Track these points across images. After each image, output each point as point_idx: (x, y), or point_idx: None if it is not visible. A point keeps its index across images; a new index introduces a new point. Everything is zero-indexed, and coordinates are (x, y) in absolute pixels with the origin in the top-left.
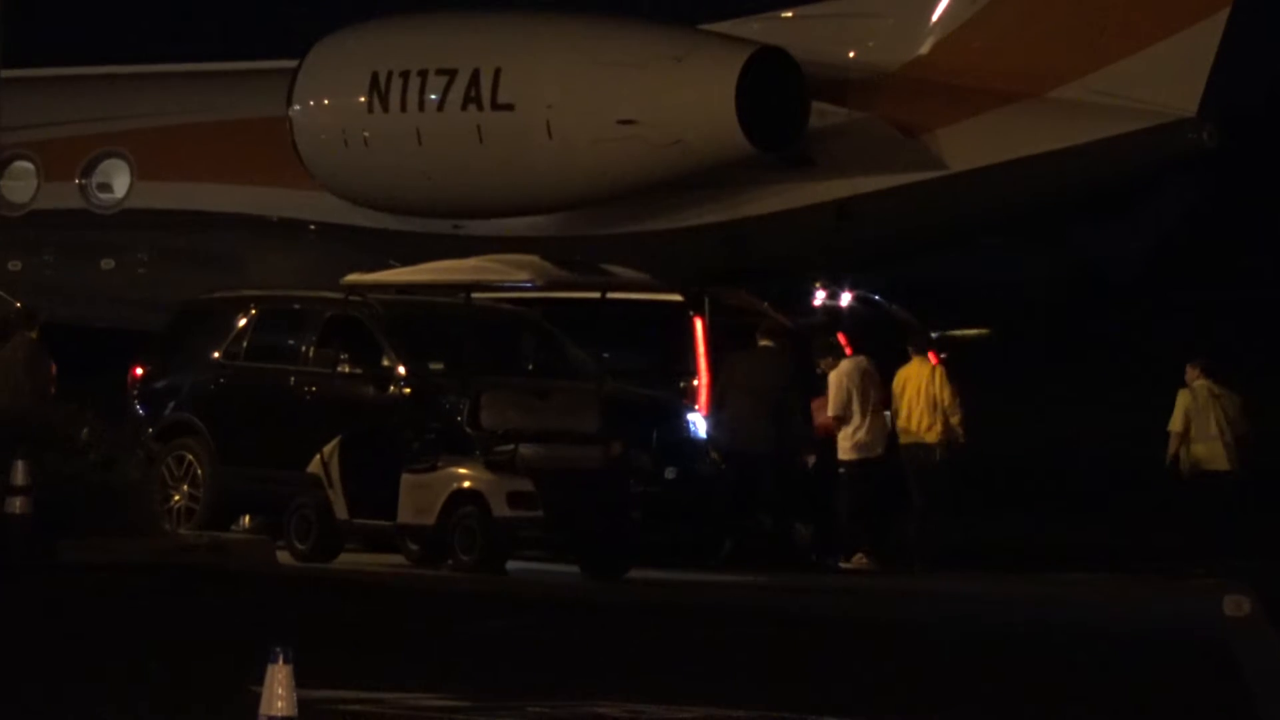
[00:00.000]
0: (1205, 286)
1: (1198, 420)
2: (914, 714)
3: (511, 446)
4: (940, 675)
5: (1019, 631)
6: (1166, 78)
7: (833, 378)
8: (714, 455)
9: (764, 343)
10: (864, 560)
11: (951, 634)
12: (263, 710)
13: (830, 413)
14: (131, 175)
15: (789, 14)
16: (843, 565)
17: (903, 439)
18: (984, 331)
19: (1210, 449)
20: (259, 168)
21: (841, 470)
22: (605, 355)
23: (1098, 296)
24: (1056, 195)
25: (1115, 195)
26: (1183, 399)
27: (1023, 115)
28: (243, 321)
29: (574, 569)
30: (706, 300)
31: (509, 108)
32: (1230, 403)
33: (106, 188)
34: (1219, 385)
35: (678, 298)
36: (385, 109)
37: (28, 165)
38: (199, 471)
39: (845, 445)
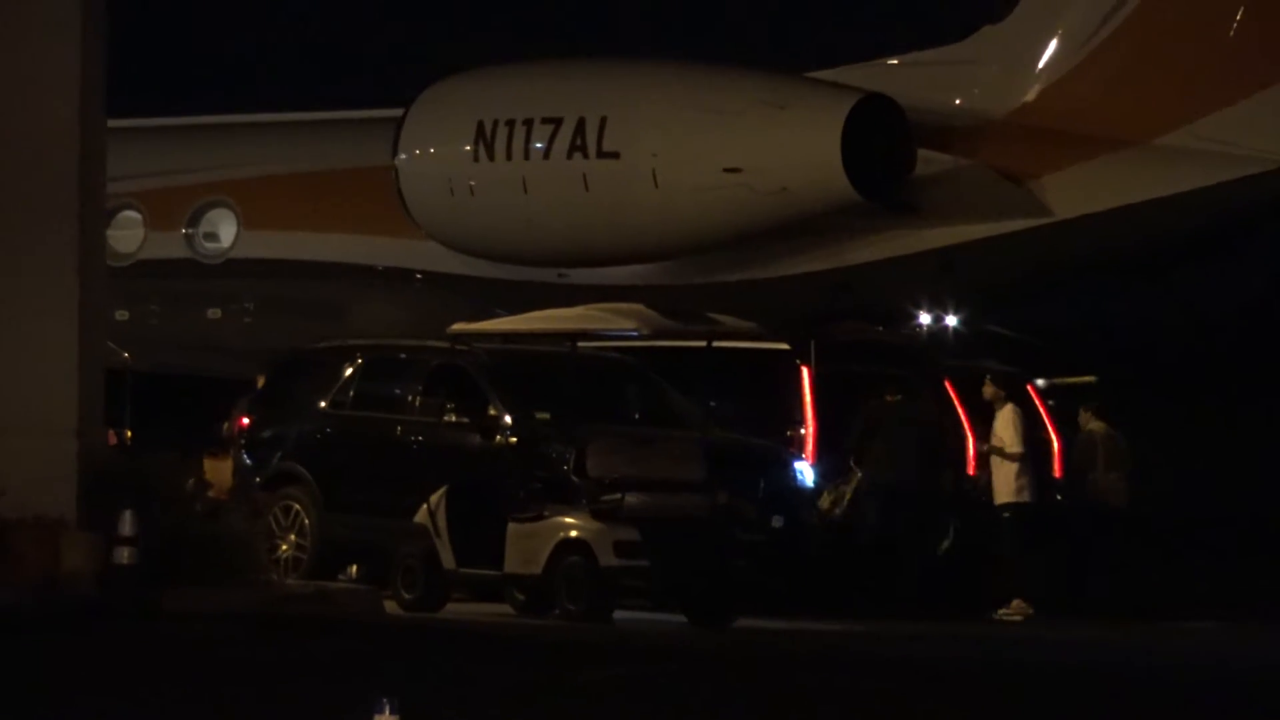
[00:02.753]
0: None
1: (1107, 458)
2: None
3: (617, 495)
4: None
5: (1136, 677)
6: (1273, 124)
7: (1008, 414)
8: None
9: (893, 398)
10: (1024, 606)
11: (1066, 680)
12: None
13: (1010, 450)
14: (237, 224)
15: (894, 61)
16: (1001, 614)
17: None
18: (1091, 379)
19: (1112, 485)
20: (364, 217)
21: (1007, 514)
22: (711, 404)
23: (1202, 341)
24: (1162, 241)
25: (1220, 241)
26: (1091, 437)
27: (1129, 162)
28: (349, 371)
29: (680, 618)
30: (813, 348)
31: (615, 156)
32: (1122, 441)
33: (212, 237)
34: (1110, 426)
35: (784, 346)
36: (491, 158)
37: (134, 215)
38: (305, 521)
39: (1012, 487)
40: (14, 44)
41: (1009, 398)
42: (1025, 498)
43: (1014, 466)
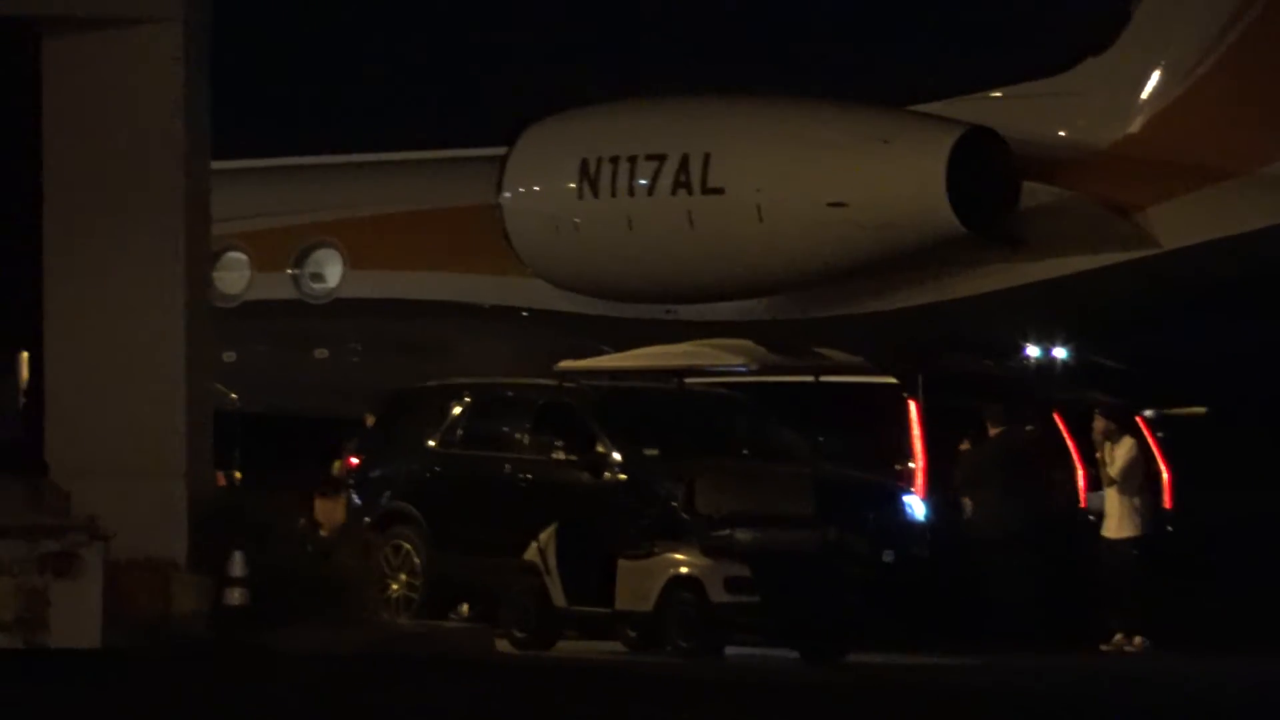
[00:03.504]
0: None
1: None
2: None
3: (727, 531)
4: None
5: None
6: None
7: (1127, 447)
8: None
9: (995, 431)
10: (1142, 641)
11: (1166, 713)
12: None
13: (1118, 479)
14: (343, 264)
15: (998, 93)
16: (1114, 646)
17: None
18: (1200, 410)
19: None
20: (470, 255)
21: (1135, 551)
22: (819, 438)
23: None
24: (1269, 271)
25: None
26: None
27: (1234, 192)
28: (457, 409)
29: (792, 653)
30: (921, 381)
31: (719, 192)
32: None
33: (319, 277)
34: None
35: (892, 380)
36: (595, 195)
37: (240, 256)
38: (416, 560)
39: (1133, 521)
40: (118, 85)
41: (1121, 430)
42: (1145, 530)
43: (1133, 500)
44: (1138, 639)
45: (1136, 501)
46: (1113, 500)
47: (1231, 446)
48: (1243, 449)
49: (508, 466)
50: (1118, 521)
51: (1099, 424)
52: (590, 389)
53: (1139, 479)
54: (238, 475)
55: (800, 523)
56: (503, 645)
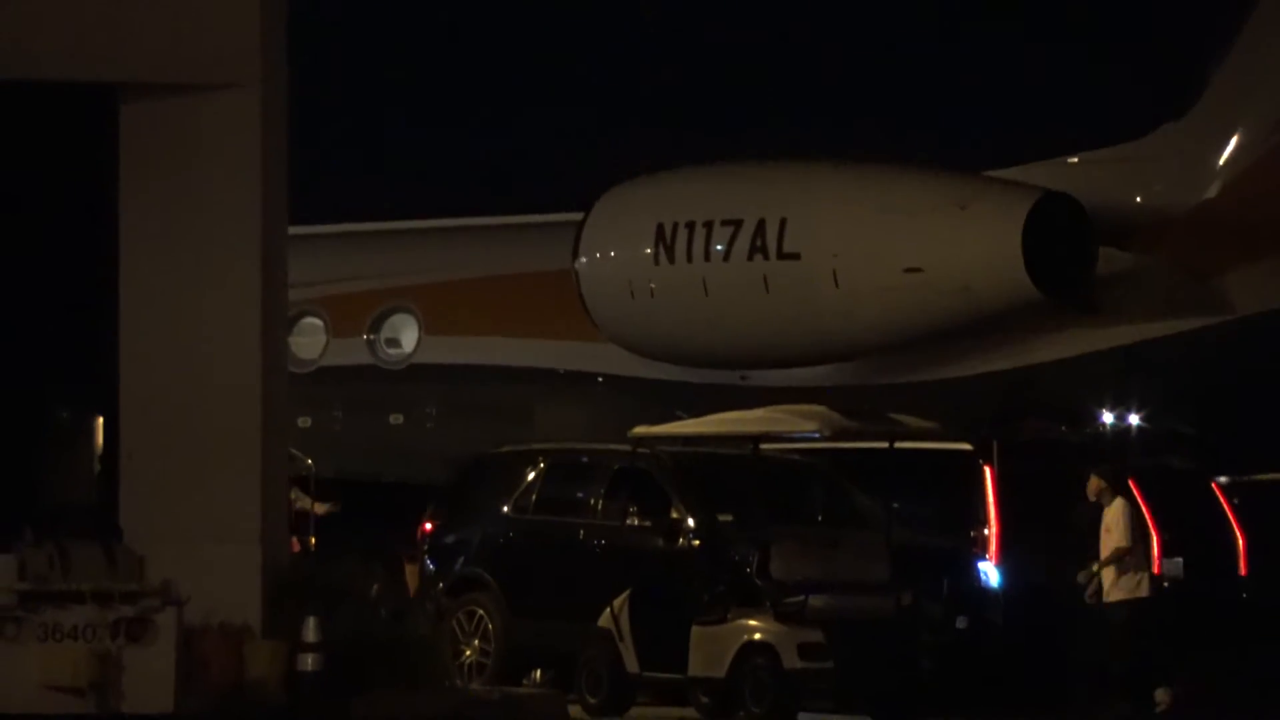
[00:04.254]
0: None
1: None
2: None
3: (801, 597)
4: None
5: None
6: None
7: (1118, 509)
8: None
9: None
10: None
11: None
12: None
13: (1121, 544)
14: (419, 330)
15: (1075, 159)
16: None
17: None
18: (1276, 476)
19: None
20: (546, 321)
21: (1117, 616)
22: (894, 504)
23: None
24: None
25: None
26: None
27: None
28: (531, 474)
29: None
30: (996, 447)
31: (795, 257)
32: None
33: (394, 343)
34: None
35: (967, 446)
36: (671, 260)
37: (316, 321)
38: (490, 626)
39: (1129, 583)
40: (195, 149)
41: (1118, 492)
42: (1143, 593)
43: (1125, 562)
44: (1159, 693)
45: (1133, 564)
46: (1111, 565)
47: None
48: None
49: (582, 532)
50: (1118, 586)
51: (1092, 484)
52: (665, 454)
53: (1127, 541)
54: (312, 540)
55: (874, 589)
56: (576, 711)
